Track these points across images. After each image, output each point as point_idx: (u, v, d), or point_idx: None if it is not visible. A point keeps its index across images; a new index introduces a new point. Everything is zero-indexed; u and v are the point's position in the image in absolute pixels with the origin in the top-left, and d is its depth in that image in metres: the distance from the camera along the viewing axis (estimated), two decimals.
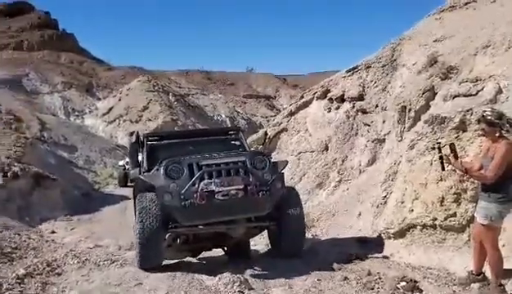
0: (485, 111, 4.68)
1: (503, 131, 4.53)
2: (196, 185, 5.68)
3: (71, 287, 5.44)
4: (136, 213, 5.83)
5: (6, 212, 11.34)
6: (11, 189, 12.88)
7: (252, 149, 8.43)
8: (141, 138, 7.33)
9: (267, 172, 6.01)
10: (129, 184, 17.31)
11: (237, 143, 7.49)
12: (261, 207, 5.93)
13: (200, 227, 6.04)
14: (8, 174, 13.32)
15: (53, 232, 11.28)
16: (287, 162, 7.38)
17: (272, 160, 6.44)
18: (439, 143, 5.04)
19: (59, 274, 5.92)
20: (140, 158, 7.09)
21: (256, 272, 5.97)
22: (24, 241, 7.27)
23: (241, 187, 5.70)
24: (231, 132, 7.91)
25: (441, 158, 4.91)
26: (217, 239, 6.90)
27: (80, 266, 6.32)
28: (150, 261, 5.83)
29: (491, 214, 4.52)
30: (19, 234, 7.64)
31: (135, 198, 6.37)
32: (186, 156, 6.27)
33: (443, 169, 5.07)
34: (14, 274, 5.47)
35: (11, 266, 5.84)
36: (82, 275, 5.90)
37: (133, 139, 7.31)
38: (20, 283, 5.27)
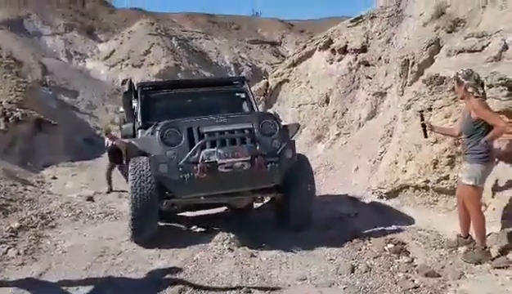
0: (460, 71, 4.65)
1: (469, 89, 4.47)
2: (197, 155, 5.06)
3: (64, 240, 5.53)
4: (129, 182, 5.21)
5: (9, 158, 11.46)
6: (14, 135, 12.97)
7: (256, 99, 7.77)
8: (135, 87, 6.57)
9: (276, 139, 5.41)
10: None
11: (242, 95, 6.79)
12: (268, 179, 5.38)
13: (201, 198, 5.54)
14: (10, 119, 13.34)
15: (54, 178, 11.43)
16: (299, 125, 6.73)
17: (282, 123, 5.79)
18: (422, 111, 5.00)
19: (53, 227, 6.02)
20: (134, 109, 6.47)
21: (247, 229, 5.98)
22: (20, 192, 7.32)
23: (247, 159, 5.09)
24: (236, 83, 7.18)
25: (423, 126, 4.94)
26: (219, 206, 6.64)
27: (74, 219, 6.43)
28: (142, 234, 5.34)
29: (476, 175, 4.50)
30: (15, 185, 7.69)
31: (127, 161, 5.66)
32: (185, 116, 5.57)
33: (426, 136, 5.09)
34: (8, 227, 5.54)
35: (6, 219, 5.91)
36: (75, 228, 6.02)
37: (126, 88, 6.52)
38: (13, 236, 5.34)
